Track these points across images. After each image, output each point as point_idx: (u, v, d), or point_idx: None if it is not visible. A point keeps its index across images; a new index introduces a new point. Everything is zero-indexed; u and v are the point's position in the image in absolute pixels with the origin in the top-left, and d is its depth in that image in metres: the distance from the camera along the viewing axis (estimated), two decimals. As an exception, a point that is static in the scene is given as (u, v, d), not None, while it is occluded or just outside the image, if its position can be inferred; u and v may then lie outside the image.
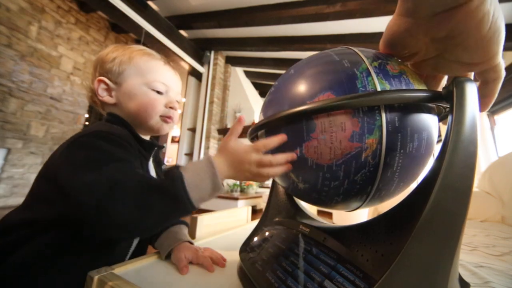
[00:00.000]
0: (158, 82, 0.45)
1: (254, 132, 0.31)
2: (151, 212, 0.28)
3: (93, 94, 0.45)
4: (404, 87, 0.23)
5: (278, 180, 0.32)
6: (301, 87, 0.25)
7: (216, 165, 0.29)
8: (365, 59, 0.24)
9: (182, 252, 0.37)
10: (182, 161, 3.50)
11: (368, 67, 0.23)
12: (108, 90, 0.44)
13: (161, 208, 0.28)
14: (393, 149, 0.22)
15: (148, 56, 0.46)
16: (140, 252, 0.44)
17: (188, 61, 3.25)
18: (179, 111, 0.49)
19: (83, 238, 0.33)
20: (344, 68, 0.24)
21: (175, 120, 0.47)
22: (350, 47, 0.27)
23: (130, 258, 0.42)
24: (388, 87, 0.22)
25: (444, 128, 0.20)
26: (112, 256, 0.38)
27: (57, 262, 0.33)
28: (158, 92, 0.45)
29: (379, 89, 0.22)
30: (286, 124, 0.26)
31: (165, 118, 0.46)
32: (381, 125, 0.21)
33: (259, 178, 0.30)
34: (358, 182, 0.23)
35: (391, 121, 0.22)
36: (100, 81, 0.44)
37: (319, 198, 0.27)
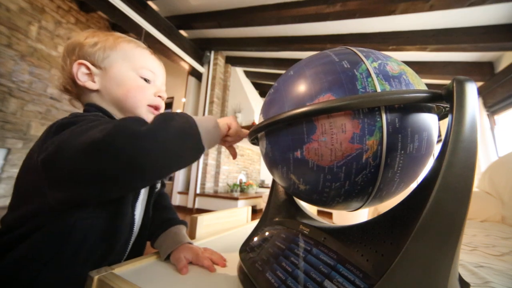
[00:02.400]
0: (146, 69, 0.44)
1: (254, 133, 0.31)
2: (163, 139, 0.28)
3: (69, 79, 0.42)
4: (404, 88, 0.23)
5: (278, 181, 0.32)
6: (301, 89, 0.25)
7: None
8: (364, 59, 0.24)
9: (182, 252, 0.37)
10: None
11: (368, 68, 0.23)
12: (90, 75, 0.41)
13: (168, 128, 0.29)
14: (393, 150, 0.22)
15: (135, 43, 0.45)
16: (137, 252, 0.44)
17: (188, 61, 3.25)
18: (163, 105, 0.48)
19: (78, 232, 0.33)
20: (344, 69, 0.24)
21: (161, 111, 0.46)
22: (349, 47, 0.27)
23: (127, 258, 0.41)
24: (388, 88, 0.22)
25: (444, 128, 0.20)
26: (110, 252, 0.37)
27: (54, 259, 0.32)
28: (146, 80, 0.44)
29: (379, 90, 0.22)
30: (286, 126, 0.26)
31: (152, 109, 0.45)
32: (381, 126, 0.22)
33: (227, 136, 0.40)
34: (359, 183, 0.23)
35: (391, 122, 0.22)
36: (81, 64, 0.40)
37: (320, 199, 0.27)
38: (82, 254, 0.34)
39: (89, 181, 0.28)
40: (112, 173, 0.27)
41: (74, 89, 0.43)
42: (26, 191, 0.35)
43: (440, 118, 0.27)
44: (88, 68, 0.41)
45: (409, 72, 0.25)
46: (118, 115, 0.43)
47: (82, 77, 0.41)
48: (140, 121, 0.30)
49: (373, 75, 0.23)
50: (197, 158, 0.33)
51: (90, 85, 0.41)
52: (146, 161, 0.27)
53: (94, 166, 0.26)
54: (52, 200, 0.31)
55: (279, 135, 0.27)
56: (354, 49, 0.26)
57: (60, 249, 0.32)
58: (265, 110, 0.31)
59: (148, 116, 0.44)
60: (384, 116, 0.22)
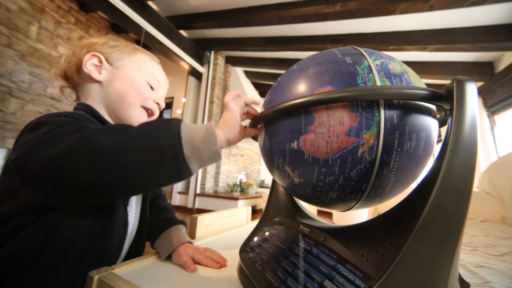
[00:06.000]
0: (153, 78, 0.47)
1: (254, 124, 0.32)
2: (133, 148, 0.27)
3: (75, 66, 0.43)
4: (404, 87, 0.23)
5: (274, 176, 0.32)
6: (303, 82, 0.26)
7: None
8: (368, 57, 0.24)
9: (184, 251, 0.37)
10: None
11: (370, 64, 0.23)
12: (99, 67, 0.43)
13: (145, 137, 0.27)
14: (390, 147, 0.22)
15: (151, 56, 0.50)
16: (137, 252, 0.43)
17: (188, 61, 3.25)
18: (159, 111, 0.50)
19: (65, 231, 0.32)
20: (346, 64, 0.24)
21: (155, 116, 0.49)
22: (356, 47, 0.27)
23: (126, 258, 0.41)
24: (388, 85, 0.22)
25: (444, 128, 0.20)
26: (104, 252, 0.36)
27: (40, 259, 0.31)
28: (151, 88, 0.47)
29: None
30: (285, 116, 0.26)
31: (146, 112, 0.46)
32: (379, 121, 0.21)
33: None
34: (353, 179, 0.23)
35: (389, 118, 0.22)
36: (95, 55, 0.42)
37: (314, 194, 0.27)
38: (73, 254, 0.32)
39: (55, 189, 0.28)
40: (76, 186, 0.27)
41: (74, 77, 0.44)
42: (6, 190, 0.35)
43: (441, 125, 0.27)
44: (100, 61, 0.43)
45: (411, 72, 0.25)
46: (107, 115, 0.44)
47: (89, 66, 0.42)
48: (114, 130, 0.28)
49: (375, 72, 0.23)
50: (180, 176, 0.29)
51: (95, 74, 0.42)
52: (109, 178, 0.26)
53: (57, 179, 0.27)
54: (26, 199, 0.31)
55: (278, 126, 0.27)
56: (360, 49, 0.26)
57: (46, 248, 0.31)
58: (266, 102, 0.31)
59: (140, 116, 0.46)
60: (382, 111, 0.22)
